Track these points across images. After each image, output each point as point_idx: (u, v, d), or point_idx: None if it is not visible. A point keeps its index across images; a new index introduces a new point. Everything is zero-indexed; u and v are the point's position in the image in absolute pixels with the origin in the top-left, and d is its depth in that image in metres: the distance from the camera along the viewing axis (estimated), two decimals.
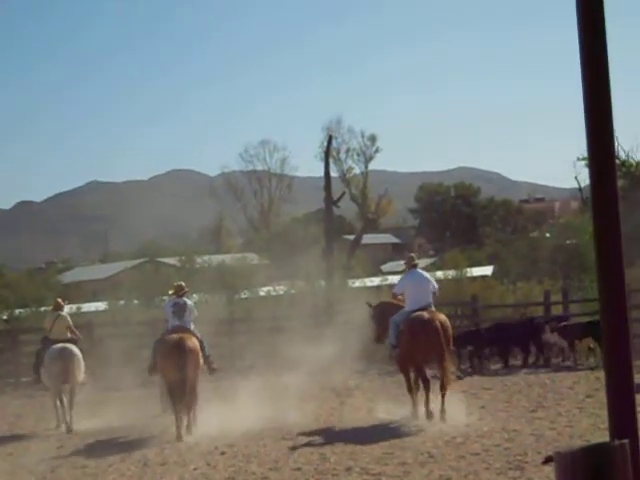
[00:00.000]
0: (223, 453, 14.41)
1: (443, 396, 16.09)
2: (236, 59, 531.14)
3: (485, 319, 26.70)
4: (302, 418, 17.28)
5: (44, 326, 20.66)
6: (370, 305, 18.66)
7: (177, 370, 16.78)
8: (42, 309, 36.12)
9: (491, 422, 15.30)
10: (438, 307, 26.97)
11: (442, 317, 16.88)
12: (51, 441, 17.19)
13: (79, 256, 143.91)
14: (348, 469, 12.44)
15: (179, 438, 16.20)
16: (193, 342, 17.19)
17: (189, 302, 18.18)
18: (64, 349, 19.21)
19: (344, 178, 79.87)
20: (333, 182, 54.90)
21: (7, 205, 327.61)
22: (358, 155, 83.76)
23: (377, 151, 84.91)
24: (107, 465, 14.16)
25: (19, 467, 14.53)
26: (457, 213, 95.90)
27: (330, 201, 45.99)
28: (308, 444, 14.53)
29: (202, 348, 17.62)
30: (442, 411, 15.90)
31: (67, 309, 36.32)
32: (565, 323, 24.24)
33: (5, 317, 33.73)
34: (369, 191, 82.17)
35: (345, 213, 79.13)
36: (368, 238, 73.96)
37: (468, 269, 38.30)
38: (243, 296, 39.47)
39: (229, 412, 18.04)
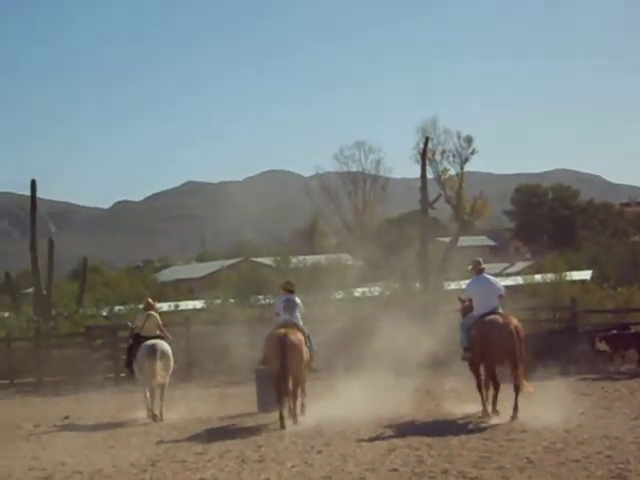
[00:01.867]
0: (320, 452, 14.48)
1: (516, 397, 16.48)
2: (335, 60, 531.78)
3: (584, 324, 26.40)
4: (398, 420, 17.32)
5: (135, 324, 21.41)
6: (460, 299, 18.96)
7: (280, 363, 17.68)
8: (140, 306, 36.68)
9: (591, 429, 15.05)
10: (536, 310, 26.88)
11: (515, 320, 17.19)
12: (151, 435, 17.47)
13: (176, 255, 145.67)
14: (445, 472, 12.39)
15: (282, 426, 17.21)
16: (297, 337, 18.10)
17: (297, 299, 19.09)
18: (154, 346, 20.06)
19: (439, 179, 79.55)
20: (428, 183, 54.63)
21: (106, 204, 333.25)
22: (454, 156, 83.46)
23: (473, 153, 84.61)
24: (206, 460, 14.34)
25: (121, 460, 14.77)
26: (555, 216, 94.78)
27: (426, 203, 45.71)
28: (404, 446, 14.50)
29: (307, 343, 18.47)
30: (514, 411, 16.33)
31: (166, 306, 37.03)
32: None
33: (105, 314, 34.31)
34: (464, 193, 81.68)
35: (440, 215, 78.66)
36: (463, 240, 73.33)
37: (566, 273, 37.78)
38: (337, 297, 39.56)
39: (325, 412, 18.33)
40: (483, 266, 18.14)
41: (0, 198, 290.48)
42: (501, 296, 17.72)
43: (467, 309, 18.24)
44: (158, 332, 20.91)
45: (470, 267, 18.73)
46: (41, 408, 23.53)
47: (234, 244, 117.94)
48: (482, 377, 17.60)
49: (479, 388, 17.64)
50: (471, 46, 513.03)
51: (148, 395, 20.19)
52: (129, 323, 23.85)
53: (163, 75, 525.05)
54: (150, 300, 21.99)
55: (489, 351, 16.94)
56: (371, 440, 15.30)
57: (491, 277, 18.39)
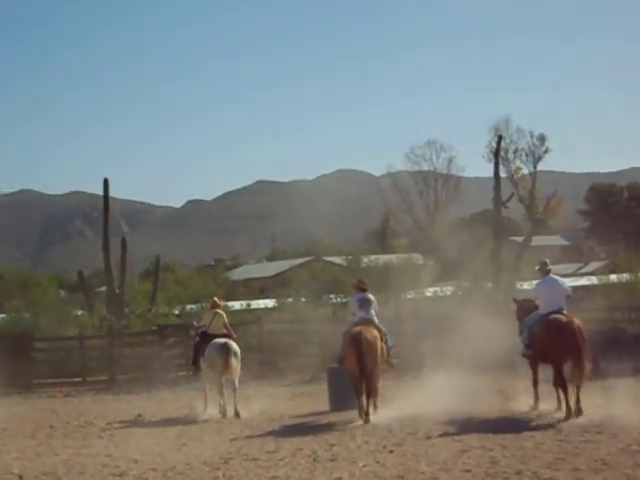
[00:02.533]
0: (392, 451, 14.45)
1: (578, 394, 16.99)
2: (407, 60, 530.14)
3: None
4: (471, 420, 17.27)
5: (203, 322, 21.95)
6: (515, 300, 19.69)
7: (356, 360, 18.05)
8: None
9: None
10: (610, 310, 26.56)
11: (578, 320, 17.61)
12: (224, 433, 17.57)
13: (247, 254, 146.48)
14: (519, 473, 12.28)
15: (366, 421, 17.69)
16: (373, 334, 18.38)
17: (372, 296, 19.39)
18: (226, 344, 20.56)
19: (512, 178, 78.89)
20: (501, 182, 54.22)
21: (178, 204, 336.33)
22: (527, 155, 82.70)
23: (546, 151, 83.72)
24: (278, 459, 14.37)
25: (193, 458, 14.87)
26: (630, 215, 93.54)
27: (499, 202, 45.39)
28: (478, 446, 14.41)
29: (384, 340, 18.77)
30: (578, 409, 16.85)
31: (238, 305, 37.21)
32: None
33: (177, 312, 34.60)
34: (538, 192, 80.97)
35: (513, 214, 78.10)
36: (537, 240, 72.76)
37: None
38: (409, 296, 39.45)
39: (397, 411, 18.47)
40: (550, 267, 18.54)
41: (73, 197, 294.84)
42: (568, 296, 18.14)
43: (522, 309, 18.97)
44: (224, 330, 21.40)
45: (537, 268, 19.04)
46: (114, 406, 23.79)
47: (305, 243, 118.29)
48: (538, 375, 18.38)
49: (535, 385, 18.41)
50: (546, 42, 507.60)
51: (214, 392, 20.78)
52: (194, 322, 24.20)
53: (233, 72, 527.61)
54: (216, 299, 22.55)
55: (554, 349, 17.33)
56: (444, 440, 15.24)
57: (558, 278, 18.68)
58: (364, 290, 19.44)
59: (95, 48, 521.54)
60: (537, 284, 18.75)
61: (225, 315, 22.03)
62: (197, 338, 21.89)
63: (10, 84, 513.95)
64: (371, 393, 18.36)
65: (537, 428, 15.98)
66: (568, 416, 16.82)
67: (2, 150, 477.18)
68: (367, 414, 17.94)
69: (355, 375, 18.25)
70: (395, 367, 20.52)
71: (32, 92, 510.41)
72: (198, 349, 21.43)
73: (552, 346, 17.36)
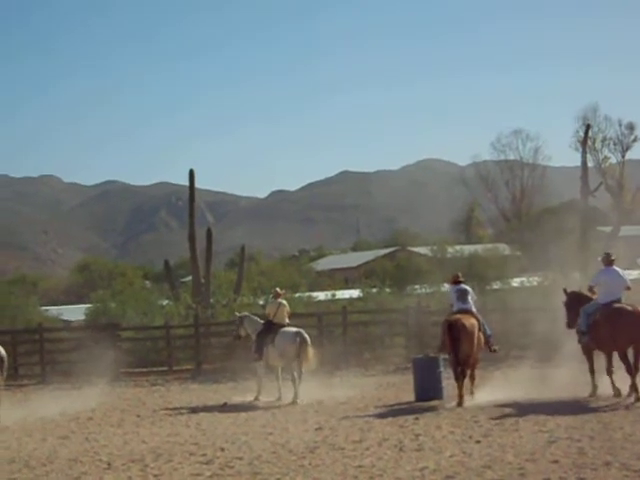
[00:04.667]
0: (478, 442, 14.38)
1: (634, 379, 17.98)
2: (491, 47, 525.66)
3: None
4: (557, 410, 17.11)
5: (267, 312, 22.67)
6: (565, 291, 20.02)
7: (452, 346, 19.18)
8: (297, 295, 37.04)
9: None
10: None
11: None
12: (309, 423, 17.61)
13: (331, 244, 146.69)
14: (607, 464, 12.14)
15: (460, 404, 18.57)
16: (470, 322, 19.42)
17: (469, 287, 20.43)
18: (300, 333, 21.56)
19: (599, 168, 77.63)
20: (588, 172, 53.49)
21: (263, 194, 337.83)
22: (615, 144, 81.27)
23: (635, 140, 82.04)
24: (364, 448, 14.38)
25: (279, 447, 14.95)
26: None
27: (586, 191, 44.86)
28: (565, 437, 14.27)
29: (481, 328, 19.73)
30: (637, 392, 17.82)
31: (322, 296, 37.26)
32: None
33: (262, 302, 34.75)
34: (626, 181, 79.60)
35: (600, 204, 76.95)
36: (625, 230, 71.66)
37: None
38: (495, 287, 39.15)
39: (487, 398, 18.90)
40: (614, 258, 19.22)
41: (158, 188, 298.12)
42: (628, 288, 18.91)
43: (572, 300, 19.57)
44: (287, 320, 22.27)
45: (600, 258, 19.69)
46: (200, 395, 24.00)
47: (389, 233, 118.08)
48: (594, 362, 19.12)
49: (591, 372, 19.07)
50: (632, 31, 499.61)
51: (265, 379, 22.26)
52: (236, 313, 24.43)
53: (321, 67, 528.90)
54: (278, 289, 23.22)
55: (620, 335, 18.18)
56: (531, 431, 15.14)
57: (619, 269, 19.26)
58: (460, 282, 20.35)
59: (182, 38, 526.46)
60: (598, 273, 19.41)
61: (287, 305, 22.72)
62: (261, 327, 22.40)
63: (75, 74, 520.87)
64: (467, 378, 19.28)
65: (625, 419, 15.77)
66: (638, 398, 17.73)
67: (88, 142, 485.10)
68: (461, 397, 18.74)
69: (453, 360, 19.35)
70: (497, 353, 21.14)
71: (108, 82, 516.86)
72: (263, 338, 22.05)
73: (617, 333, 18.19)
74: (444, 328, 19.57)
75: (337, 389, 22.42)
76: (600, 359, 19.25)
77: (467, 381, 19.52)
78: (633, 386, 18.08)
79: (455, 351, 19.19)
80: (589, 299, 19.21)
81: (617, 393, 18.52)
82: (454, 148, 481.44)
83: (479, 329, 19.65)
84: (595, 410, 17.18)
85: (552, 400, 18.55)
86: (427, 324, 28.33)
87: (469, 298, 20.07)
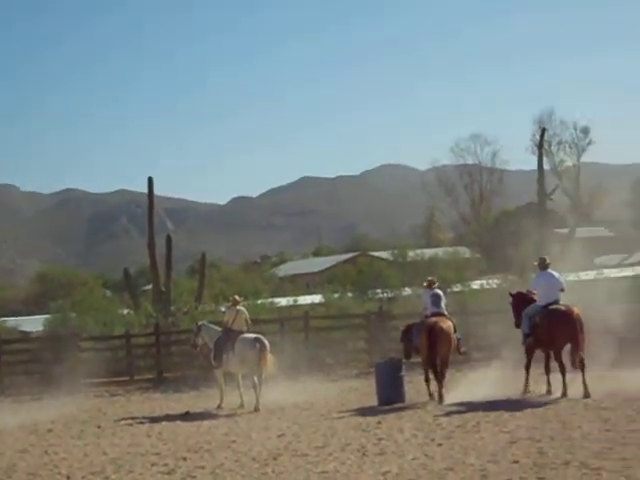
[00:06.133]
0: (440, 444, 14.45)
1: (583, 375, 18.84)
2: (448, 53, 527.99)
3: None
4: (518, 410, 17.29)
5: (225, 319, 22.69)
6: (510, 294, 21.20)
7: (430, 348, 19.88)
8: (259, 301, 37.05)
9: None
10: None
11: (576, 309, 19.39)
12: (272, 430, 17.60)
13: (292, 250, 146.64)
14: (566, 463, 12.25)
15: (441, 402, 19.37)
16: (447, 324, 20.26)
17: (441, 292, 21.19)
18: (259, 338, 21.58)
19: (556, 171, 78.29)
20: (545, 175, 53.96)
21: (223, 200, 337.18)
22: (570, 147, 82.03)
23: (590, 143, 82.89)
24: (327, 454, 14.39)
25: (242, 455, 14.93)
26: None
27: (543, 194, 45.30)
28: (526, 438, 14.39)
29: (455, 331, 20.52)
30: (585, 389, 18.67)
31: (284, 301, 37.25)
32: None
33: (224, 309, 34.72)
34: (582, 184, 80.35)
35: (557, 206, 77.62)
36: (581, 232, 72.34)
37: None
38: (455, 289, 39.38)
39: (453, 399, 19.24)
40: (549, 262, 20.22)
41: (118, 196, 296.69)
42: (562, 290, 19.76)
43: (517, 302, 20.49)
44: (246, 327, 22.26)
45: (536, 263, 20.62)
46: (162, 404, 23.89)
47: (350, 238, 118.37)
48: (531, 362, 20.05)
49: (527, 368, 19.98)
50: (584, 36, 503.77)
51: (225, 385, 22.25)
52: (197, 322, 24.34)
53: (275, 65, 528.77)
54: (237, 297, 23.16)
55: (557, 336, 19.18)
56: (492, 432, 15.24)
57: (555, 272, 20.11)
58: (433, 287, 21.01)
59: (142, 50, 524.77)
60: (536, 277, 20.49)
61: (246, 312, 22.74)
62: (221, 335, 22.32)
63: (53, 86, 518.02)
64: (443, 375, 20.02)
65: (584, 419, 15.92)
66: (564, 394, 18.73)
67: (46, 150, 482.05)
68: (441, 396, 19.60)
69: (428, 362, 20.18)
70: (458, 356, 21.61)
71: (76, 93, 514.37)
72: (222, 345, 22.02)
73: (554, 333, 19.19)
74: (423, 331, 20.06)
75: (299, 395, 22.42)
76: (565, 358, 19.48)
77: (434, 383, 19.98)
78: (563, 383, 18.94)
79: (434, 353, 19.92)
80: (533, 300, 20.11)
81: (550, 390, 19.46)
82: (414, 153, 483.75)
83: (454, 331, 20.43)
84: (555, 410, 17.32)
85: (513, 401, 18.79)
86: (389, 328, 28.39)
87: (442, 303, 20.74)
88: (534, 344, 19.86)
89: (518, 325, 20.42)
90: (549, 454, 12.96)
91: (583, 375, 18.89)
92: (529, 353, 20.10)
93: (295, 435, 16.67)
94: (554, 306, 19.49)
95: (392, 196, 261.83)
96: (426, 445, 14.52)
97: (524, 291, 20.94)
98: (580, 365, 18.99)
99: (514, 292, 21.25)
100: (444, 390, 19.84)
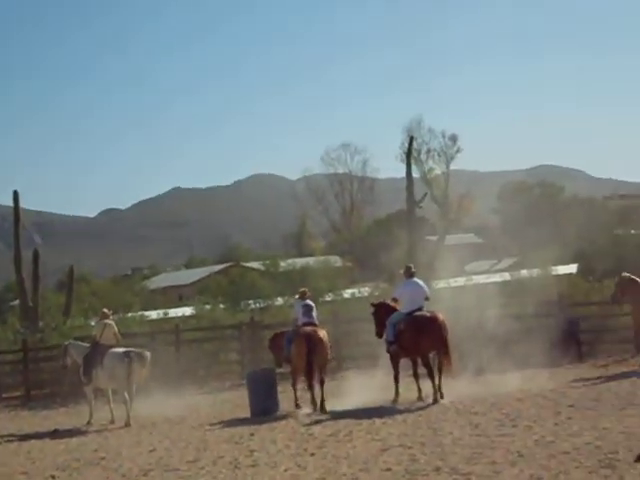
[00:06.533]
0: (313, 454, 14.45)
1: (440, 380, 19.48)
2: (317, 61, 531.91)
3: (569, 316, 26.62)
4: (390, 418, 17.42)
5: (94, 334, 22.41)
6: (372, 304, 21.54)
7: (308, 357, 19.87)
8: (129, 315, 36.58)
9: (581, 420, 15.10)
10: (523, 305, 27.04)
11: (441, 315, 19.93)
12: (143, 445, 17.35)
13: (164, 262, 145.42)
14: (437, 469, 12.36)
15: (323, 411, 19.46)
16: (323, 333, 20.52)
17: (313, 303, 21.32)
18: (128, 352, 21.28)
19: (425, 179, 79.40)
20: (414, 183, 54.54)
21: (92, 213, 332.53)
22: (439, 155, 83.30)
23: (458, 151, 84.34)
24: (199, 468, 14.25)
25: (112, 472, 14.69)
26: (541, 211, 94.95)
27: (412, 202, 45.82)
28: (398, 445, 14.50)
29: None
30: (439, 393, 19.28)
31: (155, 314, 36.84)
32: None
33: (94, 324, 34.21)
34: (451, 191, 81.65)
35: (427, 214, 78.70)
36: (451, 238, 73.58)
37: (553, 267, 37.89)
38: (327, 298, 39.56)
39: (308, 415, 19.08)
40: (414, 270, 20.66)
41: None
42: (427, 298, 20.25)
43: (380, 312, 20.80)
44: (115, 340, 21.96)
45: (402, 271, 21.17)
46: (30, 422, 23.40)
47: (223, 249, 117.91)
48: (399, 371, 20.31)
49: (396, 379, 20.18)
50: (453, 48, 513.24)
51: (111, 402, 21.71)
52: (63, 343, 23.87)
53: (146, 81, 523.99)
54: (105, 310, 22.92)
55: (422, 342, 19.60)
56: (364, 440, 15.30)
57: (419, 281, 20.56)
58: (305, 298, 21.23)
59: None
60: (401, 285, 20.85)
61: (115, 325, 22.48)
62: (91, 349, 21.94)
63: None
64: (323, 382, 20.10)
65: (454, 424, 16.14)
66: (435, 399, 19.13)
67: None
68: (323, 403, 19.75)
69: (302, 371, 20.19)
70: (330, 364, 21.99)
71: None
72: (90, 360, 21.66)
73: (419, 339, 19.57)
74: (299, 340, 20.16)
75: (171, 409, 22.16)
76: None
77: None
78: (434, 388, 19.39)
79: (311, 362, 19.91)
80: (394, 309, 20.48)
81: (421, 396, 19.80)
82: (285, 163, 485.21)
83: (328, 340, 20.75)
84: (426, 416, 17.51)
85: (385, 408, 18.93)
86: (261, 339, 28.31)
87: (313, 313, 20.91)
88: (400, 352, 20.14)
89: (379, 335, 20.79)
90: (421, 461, 13.05)
91: (440, 379, 19.52)
92: (395, 361, 20.36)
93: (166, 450, 16.47)
94: (418, 313, 19.86)
95: (265, 206, 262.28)
96: (299, 455, 14.50)
97: (386, 301, 21.32)
98: (442, 370, 19.55)
99: (376, 302, 21.70)
100: (319, 399, 19.87)
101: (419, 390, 19.96)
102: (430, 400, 19.28)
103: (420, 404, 19.19)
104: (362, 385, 21.44)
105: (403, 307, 20.16)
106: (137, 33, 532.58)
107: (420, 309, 19.97)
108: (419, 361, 20.14)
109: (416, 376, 20.23)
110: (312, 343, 20.00)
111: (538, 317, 26.58)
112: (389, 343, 20.23)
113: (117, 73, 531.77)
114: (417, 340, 19.60)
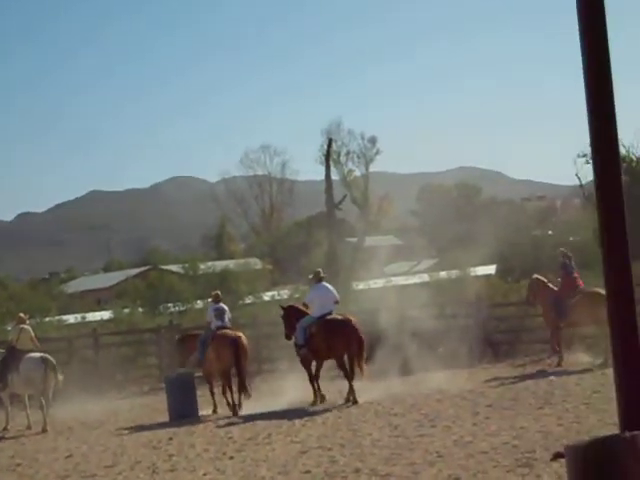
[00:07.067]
0: (232, 458, 14.39)
1: (351, 383, 19.61)
2: (235, 67, 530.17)
3: (487, 317, 26.93)
4: (309, 420, 17.43)
5: (10, 338, 22.08)
6: (282, 307, 21.70)
7: (234, 360, 20.11)
8: (47, 319, 36.11)
9: (499, 420, 15.25)
10: (442, 306, 27.31)
11: (354, 318, 20.33)
12: (59, 450, 17.12)
13: (82, 266, 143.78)
14: (357, 471, 12.38)
15: (235, 414, 19.59)
16: (245, 337, 20.75)
17: (225, 307, 21.44)
18: (44, 358, 20.96)
19: (345, 181, 79.62)
20: (334, 185, 54.85)
21: (8, 217, 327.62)
22: (358, 157, 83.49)
23: (377, 153, 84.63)
24: (116, 473, 14.12)
25: (27, 479, 14.53)
26: (459, 213, 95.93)
27: (332, 204, 46.00)
28: (317, 447, 14.50)
29: None
30: (352, 395, 19.41)
31: (72, 319, 36.40)
32: None
33: (10, 329, 33.69)
34: (370, 193, 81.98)
35: (347, 216, 78.95)
36: (371, 240, 73.83)
37: (471, 268, 38.25)
38: (247, 301, 39.47)
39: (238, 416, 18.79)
40: (323, 275, 21.02)
41: None
42: (337, 302, 20.55)
43: (289, 315, 20.94)
44: (32, 345, 21.60)
45: (311, 276, 21.48)
46: None
47: (142, 252, 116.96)
48: (313, 372, 20.39)
49: (311, 381, 20.31)
50: (374, 46, 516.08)
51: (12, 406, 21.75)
52: None
53: (65, 81, 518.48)
54: (22, 314, 22.71)
55: (336, 344, 19.75)
56: (284, 443, 15.28)
57: (329, 285, 20.95)
58: (218, 302, 21.29)
59: None
60: (310, 289, 21.34)
61: (31, 330, 22.16)
62: (6, 354, 21.61)
63: None
64: (245, 385, 20.29)
65: (374, 425, 16.19)
66: (355, 400, 19.23)
67: None
68: (239, 406, 19.98)
69: (227, 374, 20.34)
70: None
71: None
72: (6, 366, 21.30)
73: (333, 342, 19.74)
74: (222, 343, 20.28)
75: (89, 414, 21.94)
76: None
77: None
78: (350, 390, 19.55)
79: (239, 365, 20.12)
80: (304, 313, 20.62)
81: (322, 399, 20.04)
82: (204, 165, 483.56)
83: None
84: (346, 418, 17.54)
85: (305, 410, 18.99)
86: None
87: (226, 316, 21.02)
88: (310, 355, 20.26)
89: (288, 337, 21.01)
90: (340, 462, 13.06)
91: (351, 381, 19.68)
92: (306, 364, 20.46)
93: (83, 455, 16.28)
94: (330, 316, 20.08)
95: (184, 208, 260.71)
96: (218, 459, 14.42)
97: (296, 305, 21.61)
98: (359, 371, 19.77)
99: (286, 305, 21.88)
100: (237, 402, 20.01)
101: (320, 393, 20.16)
102: (349, 402, 19.37)
103: (340, 406, 19.23)
104: (282, 387, 21.46)
105: (313, 311, 20.34)
106: (44, 31, 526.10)
107: (330, 313, 20.17)
108: (324, 365, 20.54)
109: (317, 379, 20.37)
110: (237, 347, 20.13)
111: (456, 318, 26.82)
112: (299, 347, 20.41)
113: (28, 67, 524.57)
114: (330, 343, 19.77)
